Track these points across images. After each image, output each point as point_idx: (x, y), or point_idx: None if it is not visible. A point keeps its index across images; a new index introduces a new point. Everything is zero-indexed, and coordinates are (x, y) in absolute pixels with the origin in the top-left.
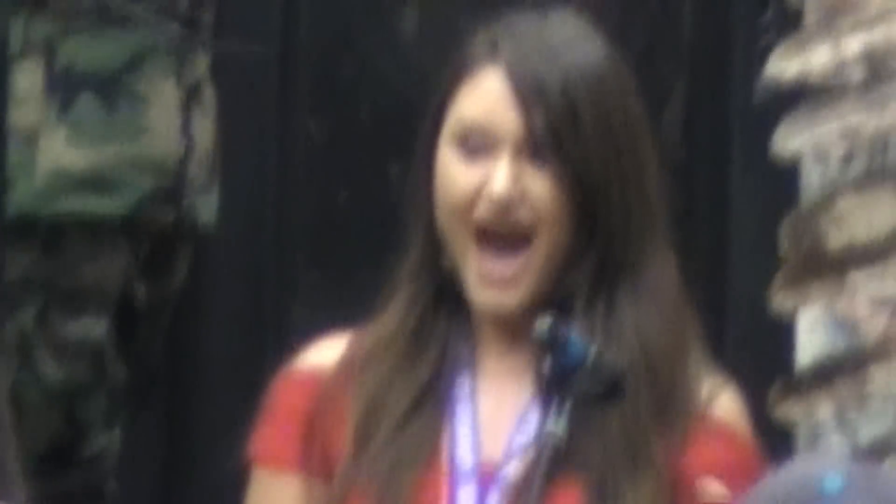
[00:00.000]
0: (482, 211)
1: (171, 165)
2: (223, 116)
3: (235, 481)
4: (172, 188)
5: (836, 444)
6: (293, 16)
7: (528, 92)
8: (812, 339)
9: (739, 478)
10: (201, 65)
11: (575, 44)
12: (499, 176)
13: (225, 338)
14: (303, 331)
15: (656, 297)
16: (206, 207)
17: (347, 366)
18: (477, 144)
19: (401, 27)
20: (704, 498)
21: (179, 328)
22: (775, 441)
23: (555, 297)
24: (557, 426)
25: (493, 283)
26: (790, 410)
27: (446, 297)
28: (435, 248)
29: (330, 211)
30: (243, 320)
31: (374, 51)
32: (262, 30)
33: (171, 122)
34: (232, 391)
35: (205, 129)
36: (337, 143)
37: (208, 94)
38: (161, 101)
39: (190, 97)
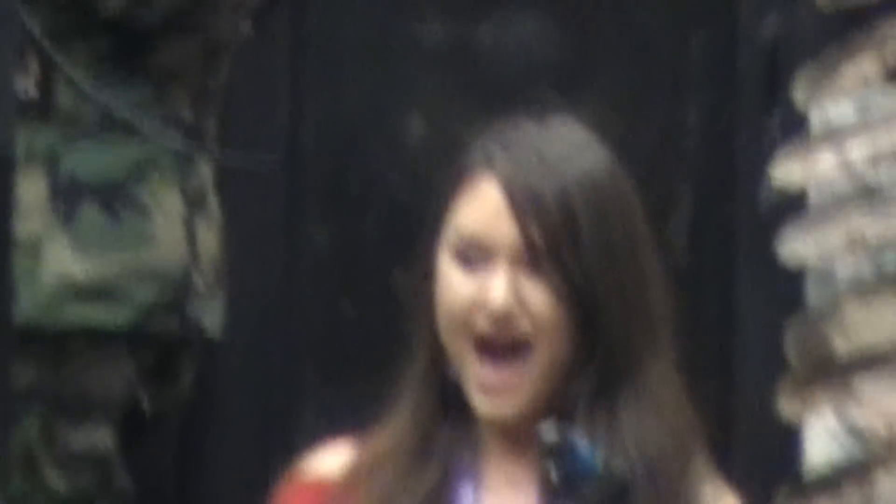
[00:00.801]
0: (481, 322)
1: (175, 275)
2: (230, 225)
3: None
4: (177, 298)
5: None
6: (299, 125)
7: (523, 203)
8: (819, 445)
9: None
10: (205, 174)
11: (573, 153)
12: (496, 288)
13: (233, 446)
14: (310, 438)
15: (658, 406)
16: (210, 315)
17: (353, 474)
18: (475, 255)
19: (407, 135)
20: None
21: (187, 440)
22: None
23: (555, 406)
24: None
25: (491, 392)
26: None
27: (450, 405)
28: (438, 355)
29: (336, 319)
30: (251, 428)
31: (381, 159)
32: (268, 139)
33: (176, 232)
34: (240, 500)
35: (209, 238)
36: (342, 251)
37: (213, 204)
38: (165, 210)
39: (194, 207)
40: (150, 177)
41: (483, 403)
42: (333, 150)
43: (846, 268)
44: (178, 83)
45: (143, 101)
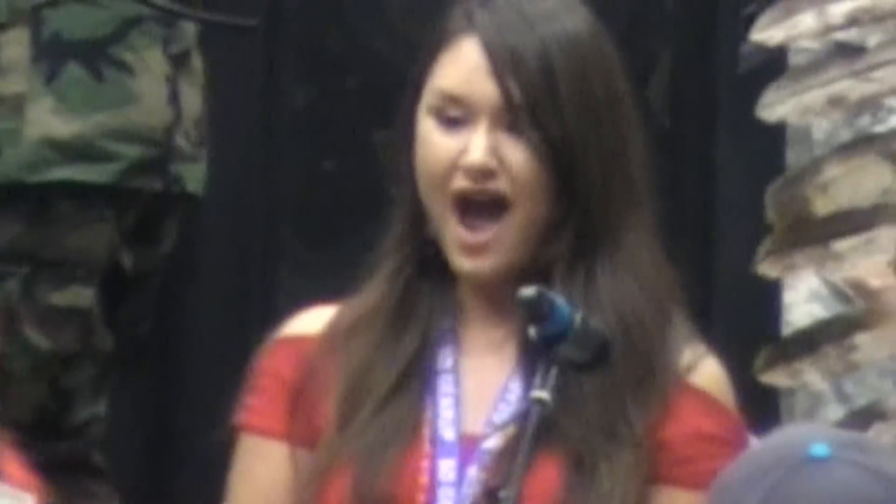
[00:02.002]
0: (460, 180)
1: (158, 135)
2: (209, 86)
3: (222, 449)
4: (160, 157)
5: (831, 412)
6: None
7: (503, 62)
8: (801, 305)
9: (722, 445)
10: (189, 34)
11: (554, 14)
12: (476, 146)
13: (212, 306)
14: (289, 299)
15: (635, 267)
16: (193, 176)
17: (333, 336)
18: (454, 115)
19: None
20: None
21: (167, 297)
22: (761, 409)
23: (534, 267)
24: (543, 392)
25: (470, 250)
26: (776, 377)
27: (430, 268)
28: (418, 218)
29: (315, 179)
30: (230, 288)
31: (361, 20)
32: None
33: (159, 92)
34: (219, 360)
35: (193, 98)
36: (322, 111)
37: (196, 64)
38: (148, 70)
39: (178, 66)
40: (133, 37)
41: (462, 262)
42: (314, 10)
43: (822, 129)
44: None
45: None
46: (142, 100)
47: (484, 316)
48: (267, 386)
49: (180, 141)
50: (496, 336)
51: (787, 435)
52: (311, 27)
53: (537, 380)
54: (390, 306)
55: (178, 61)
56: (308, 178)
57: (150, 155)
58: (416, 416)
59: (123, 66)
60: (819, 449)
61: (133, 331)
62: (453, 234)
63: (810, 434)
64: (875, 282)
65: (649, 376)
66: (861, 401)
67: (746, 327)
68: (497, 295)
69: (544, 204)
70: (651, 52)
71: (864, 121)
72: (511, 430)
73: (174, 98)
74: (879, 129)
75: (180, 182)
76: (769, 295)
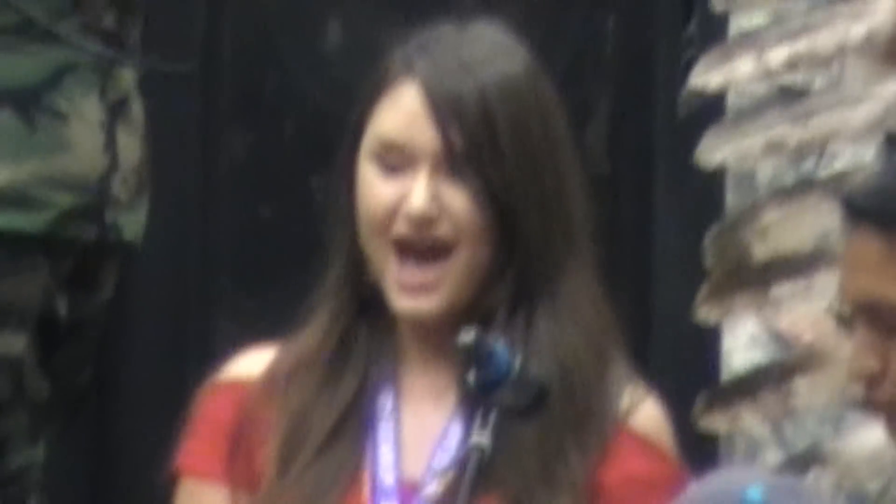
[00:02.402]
0: (401, 226)
1: (92, 182)
2: (146, 132)
3: (162, 494)
4: (94, 205)
5: (770, 457)
6: (216, 30)
7: (443, 107)
8: (738, 351)
9: (660, 489)
10: (127, 81)
11: (493, 57)
12: (417, 192)
13: (150, 352)
14: (227, 345)
15: (575, 310)
16: (131, 225)
17: (272, 379)
18: (395, 160)
19: (324, 42)
20: None
21: (105, 343)
22: (700, 454)
23: (475, 310)
24: (482, 438)
25: (411, 290)
26: (716, 421)
27: (369, 313)
28: (357, 262)
29: (253, 225)
30: (168, 335)
31: (297, 65)
32: (184, 44)
33: (94, 139)
34: (158, 406)
35: (131, 145)
36: (260, 157)
37: (136, 111)
38: (83, 117)
39: (115, 114)
40: (68, 84)
41: (402, 303)
42: (251, 55)
43: (766, 172)
44: None
45: (60, 8)
46: (75, 147)
47: (423, 360)
48: (205, 429)
49: (117, 189)
50: (436, 381)
51: (723, 478)
52: (248, 73)
53: (476, 425)
54: (329, 350)
55: (116, 109)
56: (246, 224)
57: (83, 203)
58: (356, 462)
59: (57, 114)
60: (754, 493)
61: (72, 378)
62: (394, 274)
63: (746, 478)
64: (812, 327)
65: (588, 419)
66: (800, 445)
67: (685, 371)
68: (436, 339)
69: (485, 248)
70: (590, 97)
71: (809, 165)
72: (450, 475)
73: (110, 146)
74: (823, 173)
75: (117, 230)
76: (708, 339)
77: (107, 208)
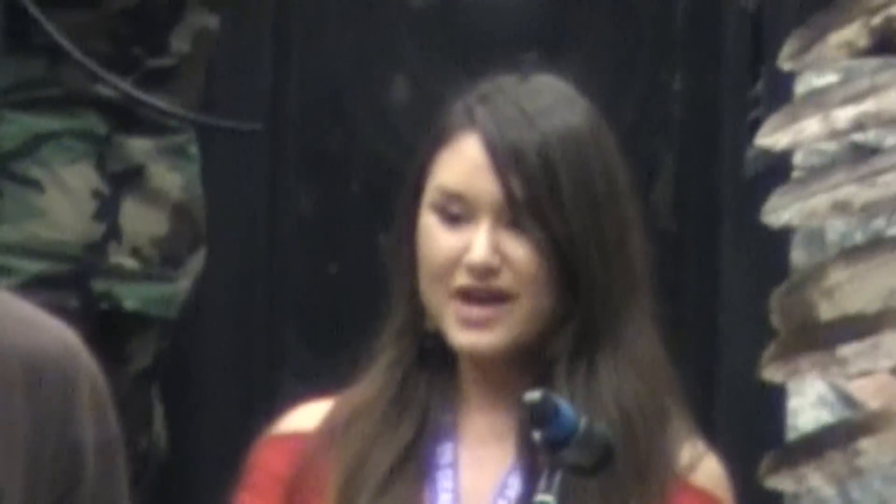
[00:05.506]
0: (462, 277)
1: (73, 250)
2: (213, 189)
3: None
4: (74, 273)
5: None
6: (282, 87)
7: (504, 159)
8: (805, 411)
9: None
10: (140, 151)
11: (554, 108)
12: (478, 243)
13: (216, 409)
14: (293, 403)
15: (636, 362)
16: (136, 295)
17: (329, 430)
18: (457, 211)
19: (390, 98)
20: None
21: (168, 399)
22: None
23: (535, 357)
24: (548, 496)
25: (472, 324)
26: (781, 481)
27: (428, 362)
28: (417, 312)
29: (320, 283)
30: (234, 392)
31: (364, 121)
32: (251, 101)
33: (77, 208)
34: (224, 463)
35: (145, 216)
36: (326, 214)
37: (157, 181)
38: (61, 186)
39: (119, 184)
40: (45, 152)
41: (463, 336)
42: (317, 112)
43: (835, 230)
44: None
45: (36, 76)
46: (48, 215)
47: (483, 405)
48: (262, 482)
49: (118, 258)
50: (495, 427)
51: None
52: (314, 129)
53: (542, 483)
54: (388, 397)
55: (122, 178)
56: (312, 282)
57: (57, 270)
58: None
59: (28, 182)
60: None
61: (132, 447)
62: (454, 313)
63: None
64: (880, 388)
65: (650, 472)
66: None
67: (751, 430)
68: (496, 381)
69: (547, 298)
70: (656, 155)
71: (879, 223)
72: None
73: (107, 214)
74: (893, 231)
75: (112, 299)
76: (774, 399)
77: (94, 277)
